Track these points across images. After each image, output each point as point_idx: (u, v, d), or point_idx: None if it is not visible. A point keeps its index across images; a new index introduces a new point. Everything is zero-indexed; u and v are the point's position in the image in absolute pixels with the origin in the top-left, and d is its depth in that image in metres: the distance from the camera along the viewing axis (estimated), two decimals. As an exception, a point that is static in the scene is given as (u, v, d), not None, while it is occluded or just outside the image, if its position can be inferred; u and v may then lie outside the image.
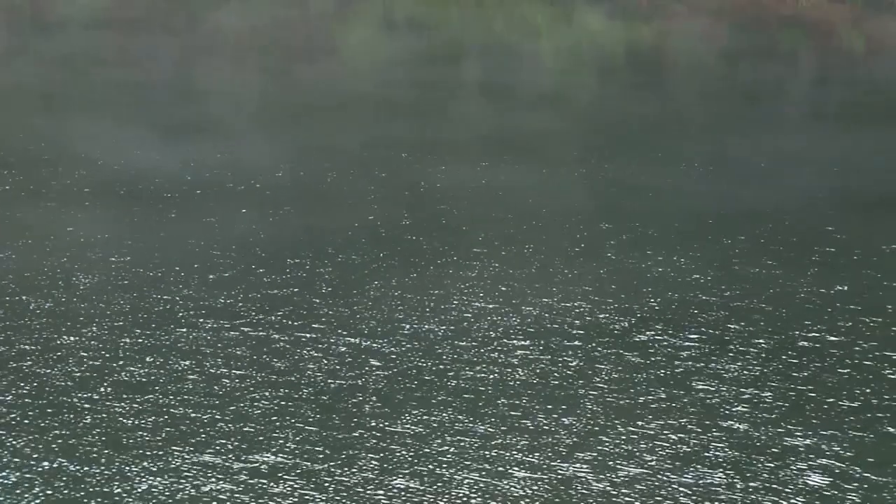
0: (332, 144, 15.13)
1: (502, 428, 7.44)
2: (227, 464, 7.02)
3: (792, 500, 6.65)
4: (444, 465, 7.01)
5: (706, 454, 7.12)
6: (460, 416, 7.60)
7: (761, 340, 8.77)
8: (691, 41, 26.16)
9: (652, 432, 7.38)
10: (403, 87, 19.96)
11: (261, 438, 7.31)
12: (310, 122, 16.83)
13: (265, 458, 7.08)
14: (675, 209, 12.14)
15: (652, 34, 27.14)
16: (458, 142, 15.44)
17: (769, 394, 7.89)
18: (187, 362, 8.42)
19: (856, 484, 6.81)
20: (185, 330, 8.97)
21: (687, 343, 8.72)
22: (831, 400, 7.80)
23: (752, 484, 6.80)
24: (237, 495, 6.70)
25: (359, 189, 12.90)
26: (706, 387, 7.99)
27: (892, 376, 8.15)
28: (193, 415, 7.62)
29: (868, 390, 7.95)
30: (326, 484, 6.81)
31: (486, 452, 7.15)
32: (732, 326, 9.02)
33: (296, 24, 28.14)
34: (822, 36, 26.37)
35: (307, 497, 6.68)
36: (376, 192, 12.79)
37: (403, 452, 7.15)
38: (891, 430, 7.44)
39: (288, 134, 15.93)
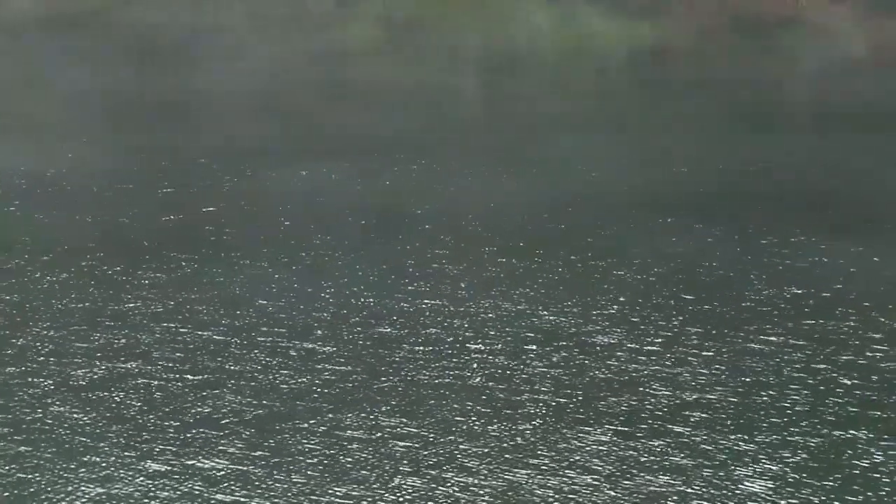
0: (263, 143, 15.14)
1: (451, 432, 7.41)
2: (172, 468, 7.00)
3: (739, 507, 6.64)
4: (390, 471, 6.97)
5: (657, 459, 7.08)
6: (409, 421, 7.56)
7: (718, 343, 8.73)
8: (690, 41, 26.10)
9: (603, 437, 7.34)
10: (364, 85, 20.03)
11: (205, 443, 7.29)
12: (219, 121, 16.91)
13: (209, 464, 7.06)
14: (634, 208, 12.10)
15: (651, 34, 27.08)
16: (420, 141, 15.41)
17: (722, 399, 7.85)
18: (132, 364, 8.41)
19: (804, 489, 6.77)
20: (130, 332, 8.96)
21: (643, 347, 8.68)
22: (785, 404, 7.76)
23: (701, 489, 6.76)
24: (182, 501, 6.68)
25: (310, 188, 12.90)
26: (662, 391, 7.95)
27: (845, 381, 8.11)
28: (138, 419, 7.60)
29: (820, 394, 7.90)
30: (271, 489, 6.78)
31: (434, 458, 7.12)
32: (690, 329, 8.98)
33: (265, 24, 28.16)
34: (822, 36, 26.29)
35: (251, 503, 6.66)
36: (332, 190, 12.80)
37: (349, 457, 7.12)
38: (841, 434, 7.39)
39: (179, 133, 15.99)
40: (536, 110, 17.82)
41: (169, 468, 7.00)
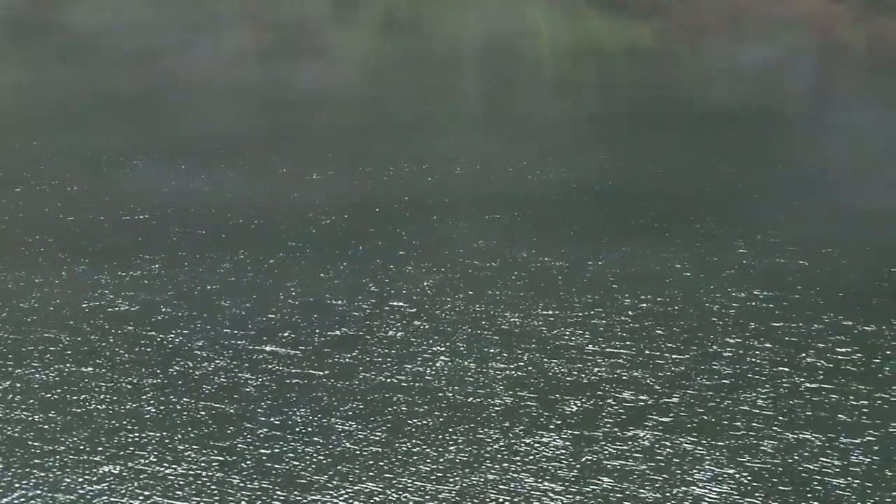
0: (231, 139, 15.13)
1: (409, 435, 7.39)
2: (128, 471, 7.00)
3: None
4: (350, 474, 6.97)
5: (615, 463, 7.06)
6: (368, 423, 7.55)
7: (681, 345, 8.71)
8: (689, 41, 26.06)
9: (561, 441, 7.32)
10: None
11: (161, 445, 7.29)
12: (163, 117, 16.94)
13: (166, 466, 7.06)
14: (605, 210, 12.08)
15: (651, 34, 27.05)
16: (392, 140, 15.41)
17: (681, 402, 7.83)
18: (90, 367, 8.42)
19: (760, 492, 6.75)
20: (89, 333, 8.97)
21: (606, 349, 8.65)
22: (743, 408, 7.74)
23: (659, 493, 6.74)
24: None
25: (276, 187, 12.89)
26: (621, 395, 7.93)
27: (812, 385, 8.08)
28: (95, 421, 7.61)
29: (776, 397, 7.89)
30: (227, 492, 6.78)
31: (392, 461, 7.11)
32: (656, 333, 8.95)
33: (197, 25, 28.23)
34: (822, 36, 26.25)
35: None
36: (300, 191, 12.80)
37: (308, 460, 7.12)
38: (795, 437, 7.37)
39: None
40: (521, 110, 17.81)
41: (125, 470, 7.00)
